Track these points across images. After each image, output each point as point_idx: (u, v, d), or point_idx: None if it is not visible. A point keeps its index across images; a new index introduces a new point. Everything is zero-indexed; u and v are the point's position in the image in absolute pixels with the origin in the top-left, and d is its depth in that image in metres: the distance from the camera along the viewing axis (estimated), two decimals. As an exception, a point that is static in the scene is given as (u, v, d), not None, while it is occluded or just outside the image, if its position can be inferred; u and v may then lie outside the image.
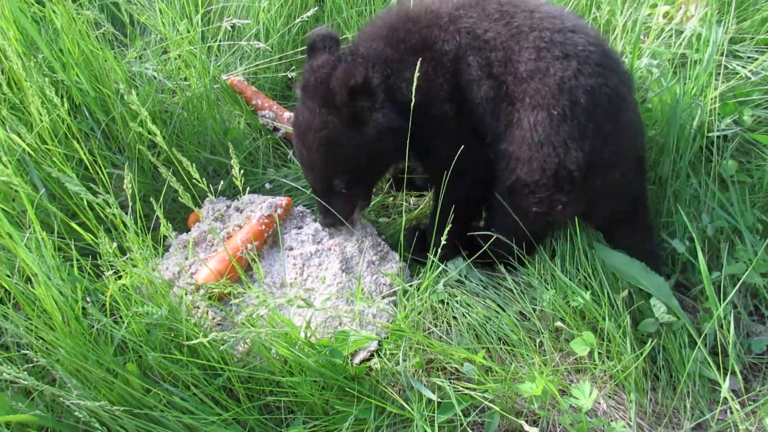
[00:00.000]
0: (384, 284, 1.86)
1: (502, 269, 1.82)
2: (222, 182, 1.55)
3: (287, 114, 2.28)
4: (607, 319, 1.63)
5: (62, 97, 1.62)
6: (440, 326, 1.73)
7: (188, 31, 2.09)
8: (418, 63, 1.59)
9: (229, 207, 2.04)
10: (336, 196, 1.85)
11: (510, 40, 1.64)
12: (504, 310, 1.73)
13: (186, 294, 1.56)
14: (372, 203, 2.13)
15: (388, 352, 1.67)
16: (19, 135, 1.42)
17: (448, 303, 1.76)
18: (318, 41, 1.80)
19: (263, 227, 1.92)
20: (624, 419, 1.60)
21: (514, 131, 1.66)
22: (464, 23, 1.69)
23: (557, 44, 1.61)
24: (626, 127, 1.69)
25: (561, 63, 1.59)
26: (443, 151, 1.73)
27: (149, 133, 1.32)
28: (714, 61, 1.90)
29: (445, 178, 1.70)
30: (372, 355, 1.70)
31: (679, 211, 1.84)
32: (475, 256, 1.83)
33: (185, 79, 2.16)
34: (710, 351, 1.72)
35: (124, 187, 1.26)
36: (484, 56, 1.66)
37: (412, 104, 1.64)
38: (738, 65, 2.13)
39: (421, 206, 2.12)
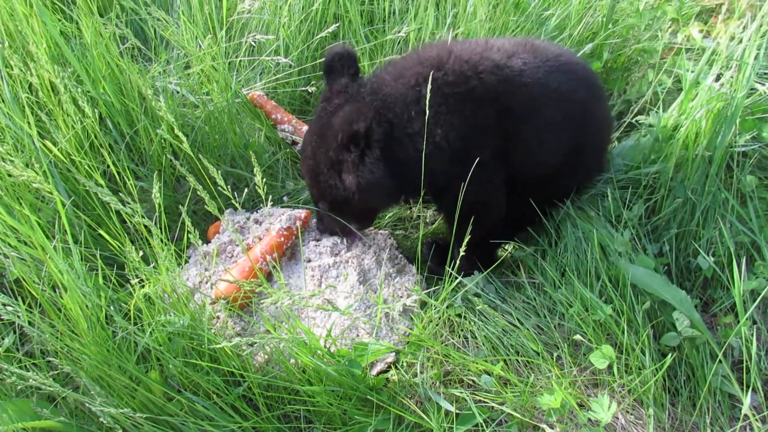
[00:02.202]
0: (401, 297, 1.87)
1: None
2: (246, 190, 1.57)
3: (306, 128, 2.31)
4: (626, 332, 1.63)
5: (93, 109, 1.67)
6: (457, 339, 1.74)
7: (211, 47, 2.13)
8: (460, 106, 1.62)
9: (248, 219, 2.07)
10: (323, 213, 1.87)
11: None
12: (522, 324, 1.73)
13: (207, 303, 1.58)
14: (388, 216, 2.15)
15: (405, 364, 1.67)
16: (53, 142, 1.45)
17: (465, 317, 1.77)
18: (335, 61, 1.75)
19: (282, 239, 1.95)
20: (643, 435, 1.59)
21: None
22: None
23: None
24: None
25: None
26: (471, 195, 1.70)
27: (176, 139, 1.35)
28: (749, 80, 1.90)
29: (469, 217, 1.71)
30: (389, 367, 1.71)
31: (707, 226, 1.84)
32: (491, 268, 1.83)
33: (207, 94, 2.20)
34: (731, 367, 1.71)
35: (153, 195, 1.28)
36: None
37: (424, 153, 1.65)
38: (756, 81, 2.14)
39: (438, 219, 2.14)
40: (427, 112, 1.59)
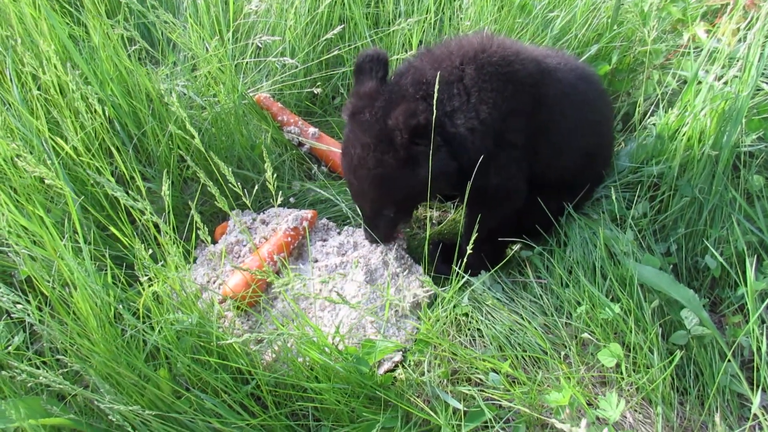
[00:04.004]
0: (407, 296, 1.88)
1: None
2: (257, 186, 1.58)
3: (312, 130, 2.32)
4: (634, 331, 1.63)
5: (103, 110, 1.68)
6: (464, 338, 1.74)
7: (218, 49, 2.15)
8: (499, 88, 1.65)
9: (255, 220, 2.08)
10: (382, 219, 1.87)
11: None
12: (529, 322, 1.73)
13: (216, 302, 1.58)
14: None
15: (412, 363, 1.67)
16: (64, 139, 1.46)
17: (472, 316, 1.77)
18: (366, 63, 1.74)
19: (289, 239, 1.95)
20: (651, 433, 1.58)
21: None
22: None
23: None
24: None
25: None
26: (497, 178, 1.76)
27: (187, 135, 1.35)
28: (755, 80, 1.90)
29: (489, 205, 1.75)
30: (396, 366, 1.71)
31: (714, 226, 1.84)
32: (498, 266, 1.84)
33: (214, 96, 2.21)
34: (741, 366, 1.71)
35: (162, 193, 1.29)
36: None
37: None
38: (762, 81, 2.14)
39: (446, 220, 2.14)
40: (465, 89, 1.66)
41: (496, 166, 1.74)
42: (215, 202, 1.35)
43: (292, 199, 2.22)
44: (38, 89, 1.91)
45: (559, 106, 1.80)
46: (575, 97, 1.84)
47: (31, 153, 1.67)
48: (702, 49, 2.09)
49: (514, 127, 1.72)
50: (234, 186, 1.35)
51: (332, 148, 2.29)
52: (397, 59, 2.38)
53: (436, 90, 1.58)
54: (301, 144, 2.35)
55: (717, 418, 1.61)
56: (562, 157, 1.89)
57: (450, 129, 1.68)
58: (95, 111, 1.56)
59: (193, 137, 1.37)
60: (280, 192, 1.54)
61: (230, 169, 1.36)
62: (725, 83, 1.97)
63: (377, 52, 1.75)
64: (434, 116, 1.61)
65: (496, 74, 1.69)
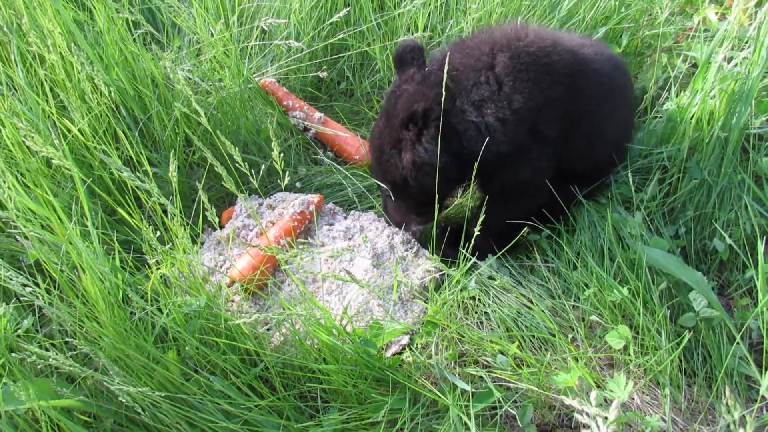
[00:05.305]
0: (416, 272, 1.88)
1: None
2: (261, 171, 1.58)
3: (317, 114, 2.32)
4: (641, 313, 1.62)
5: (109, 91, 1.67)
6: (472, 321, 1.74)
7: (223, 33, 2.14)
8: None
9: (261, 204, 2.08)
10: (387, 198, 1.89)
11: None
12: (537, 305, 1.73)
13: (224, 285, 1.59)
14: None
15: (420, 346, 1.68)
16: (71, 121, 1.46)
17: (479, 299, 1.77)
18: (406, 53, 1.78)
19: (295, 224, 1.95)
20: (658, 414, 1.58)
21: None
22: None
23: None
24: None
25: None
26: (524, 174, 1.75)
27: (193, 114, 1.34)
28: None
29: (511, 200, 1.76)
30: (403, 349, 1.71)
31: (723, 208, 1.84)
32: (505, 249, 1.83)
33: (220, 80, 2.21)
34: (749, 348, 1.70)
35: (170, 174, 1.29)
36: None
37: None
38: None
39: (453, 204, 2.13)
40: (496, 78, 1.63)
41: (528, 160, 1.72)
42: (222, 183, 1.34)
43: (298, 184, 2.22)
44: (44, 71, 1.91)
45: (595, 98, 1.78)
46: (610, 87, 1.83)
47: (38, 133, 1.67)
48: (710, 31, 2.07)
49: (548, 119, 1.70)
50: (241, 166, 1.35)
51: (338, 132, 2.29)
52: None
53: (445, 73, 1.56)
54: (306, 129, 2.34)
55: (725, 400, 1.61)
56: (595, 148, 1.88)
57: (473, 118, 1.64)
58: (101, 93, 1.55)
59: (199, 115, 1.36)
60: (287, 172, 1.54)
61: (237, 148, 1.36)
62: (735, 65, 1.95)
63: (415, 43, 1.79)
64: (442, 104, 1.60)
65: (533, 64, 1.65)
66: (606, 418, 1.14)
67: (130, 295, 1.41)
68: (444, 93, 1.59)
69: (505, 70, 1.64)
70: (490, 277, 1.82)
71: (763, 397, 1.53)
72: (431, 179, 1.69)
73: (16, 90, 1.88)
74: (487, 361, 1.64)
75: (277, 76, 2.41)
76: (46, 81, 1.80)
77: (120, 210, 1.43)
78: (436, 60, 1.75)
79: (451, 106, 1.65)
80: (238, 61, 2.18)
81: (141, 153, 1.60)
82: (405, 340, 1.73)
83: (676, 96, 2.06)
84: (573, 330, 1.71)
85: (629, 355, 1.62)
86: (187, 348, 1.50)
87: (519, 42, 1.67)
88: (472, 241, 1.66)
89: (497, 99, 1.64)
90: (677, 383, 1.63)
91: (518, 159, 1.71)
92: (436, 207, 1.68)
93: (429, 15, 2.48)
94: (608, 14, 2.44)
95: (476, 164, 1.62)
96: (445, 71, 1.57)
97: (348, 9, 2.37)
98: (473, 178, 1.67)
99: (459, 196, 2.15)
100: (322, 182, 2.20)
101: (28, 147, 1.65)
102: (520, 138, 1.67)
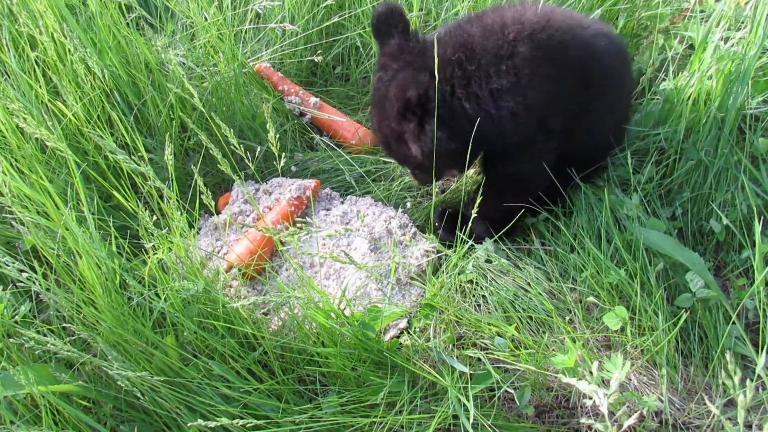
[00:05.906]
0: (412, 264, 1.88)
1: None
2: (257, 154, 1.56)
3: (313, 99, 2.30)
4: (639, 294, 1.63)
5: (102, 74, 1.65)
6: (470, 304, 1.74)
7: (216, 16, 2.12)
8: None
9: (257, 190, 2.08)
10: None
11: None
12: (534, 288, 1.73)
13: (222, 270, 1.59)
14: (398, 185, 2.14)
15: (417, 329, 1.68)
16: (65, 104, 1.44)
17: (476, 282, 1.77)
18: (381, 23, 1.65)
19: (292, 209, 1.95)
20: (655, 394, 1.59)
21: None
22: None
23: None
24: None
25: None
26: (528, 165, 1.73)
27: (186, 94, 1.33)
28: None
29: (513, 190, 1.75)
30: (401, 333, 1.71)
31: (719, 189, 1.84)
32: (502, 231, 1.83)
33: (214, 65, 2.19)
34: (745, 328, 1.71)
35: (165, 157, 1.28)
36: None
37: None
38: (769, 42, 2.11)
39: (450, 188, 2.13)
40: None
41: (532, 151, 1.69)
42: (218, 165, 1.33)
43: (294, 168, 2.21)
44: (35, 54, 1.89)
45: (603, 92, 1.77)
46: (615, 73, 1.82)
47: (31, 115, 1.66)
48: (706, 12, 2.06)
49: (557, 112, 1.68)
50: (236, 148, 1.34)
51: (334, 117, 2.28)
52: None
53: (456, 56, 1.55)
54: (302, 114, 2.33)
55: (720, 380, 1.62)
56: (596, 136, 1.87)
57: (489, 108, 1.58)
58: (95, 76, 1.54)
59: (192, 96, 1.34)
60: (283, 155, 1.53)
61: (232, 131, 1.35)
62: (732, 45, 1.94)
63: (388, 7, 1.63)
64: (438, 88, 1.54)
65: (551, 60, 1.61)
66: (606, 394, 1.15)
67: (127, 280, 1.40)
68: (451, 72, 1.53)
69: (523, 62, 1.57)
70: (488, 260, 1.83)
71: (758, 376, 1.53)
72: (445, 162, 1.66)
73: (9, 75, 1.86)
74: (485, 344, 1.64)
75: (272, 60, 2.39)
76: (38, 64, 1.78)
77: (116, 194, 1.42)
78: (450, 31, 1.65)
79: (463, 90, 1.58)
80: (232, 45, 2.16)
81: (136, 138, 1.59)
82: (403, 323, 1.73)
83: (674, 77, 2.05)
84: (570, 312, 1.72)
85: (626, 336, 1.63)
86: (185, 333, 1.50)
87: (542, 32, 1.61)
88: (470, 224, 1.66)
89: (515, 92, 1.58)
90: (674, 363, 1.64)
91: (523, 150, 1.69)
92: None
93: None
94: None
95: (481, 154, 1.61)
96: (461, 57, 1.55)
97: (342, -8, 2.35)
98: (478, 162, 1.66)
99: (455, 180, 2.15)
100: (319, 167, 2.19)
101: (21, 131, 1.64)
102: (530, 132, 1.65)
